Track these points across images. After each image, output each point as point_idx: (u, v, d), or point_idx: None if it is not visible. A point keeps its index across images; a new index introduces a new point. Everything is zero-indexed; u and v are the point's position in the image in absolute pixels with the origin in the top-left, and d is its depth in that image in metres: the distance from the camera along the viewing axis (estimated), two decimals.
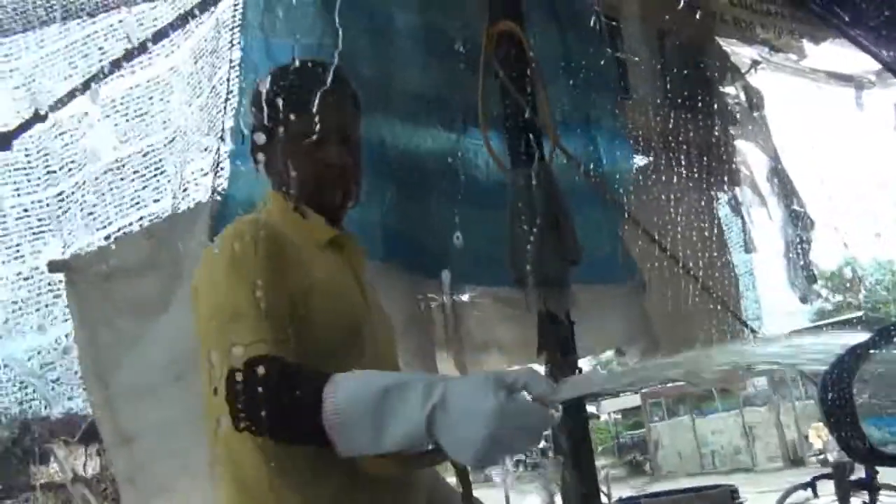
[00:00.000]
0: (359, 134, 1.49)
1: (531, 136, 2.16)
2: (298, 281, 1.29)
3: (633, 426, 28.40)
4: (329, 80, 1.40)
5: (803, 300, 3.39)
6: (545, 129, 2.19)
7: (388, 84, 2.48)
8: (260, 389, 1.09)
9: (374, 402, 1.03)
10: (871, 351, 0.79)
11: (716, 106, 2.96)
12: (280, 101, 1.41)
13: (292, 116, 1.39)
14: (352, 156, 1.44)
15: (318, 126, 1.37)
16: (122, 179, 2.19)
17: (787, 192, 3.30)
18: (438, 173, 2.64)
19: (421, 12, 2.61)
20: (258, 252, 1.27)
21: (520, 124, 2.17)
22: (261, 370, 1.09)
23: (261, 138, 1.44)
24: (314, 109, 1.36)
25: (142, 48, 2.16)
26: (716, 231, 3.12)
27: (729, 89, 3.16)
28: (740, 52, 3.26)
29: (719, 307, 2.85)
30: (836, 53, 3.31)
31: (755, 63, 3.29)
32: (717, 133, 2.94)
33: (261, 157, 1.46)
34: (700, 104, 2.95)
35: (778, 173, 3.29)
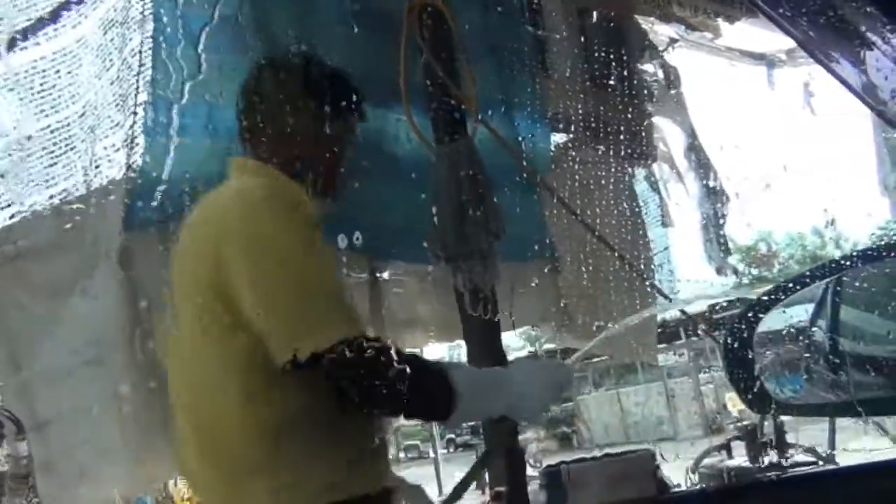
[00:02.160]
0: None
1: (454, 112, 2.17)
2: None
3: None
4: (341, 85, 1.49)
5: (718, 272, 3.52)
6: (468, 106, 2.20)
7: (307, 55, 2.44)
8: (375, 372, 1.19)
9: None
10: (769, 307, 0.83)
11: (634, 83, 3.02)
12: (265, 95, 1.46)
13: (281, 108, 1.43)
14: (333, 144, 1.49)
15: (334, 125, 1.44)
16: (29, 156, 2.10)
17: (703, 167, 3.40)
18: (361, 147, 2.62)
19: None
20: (309, 221, 1.33)
21: (443, 100, 2.18)
22: (367, 353, 1.18)
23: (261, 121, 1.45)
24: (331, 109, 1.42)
25: (47, 18, 2.06)
26: (634, 206, 3.20)
27: (647, 67, 3.23)
28: (658, 30, 3.33)
29: (636, 281, 2.93)
30: (750, 32, 3.42)
31: (672, 41, 3.37)
32: (635, 110, 3.01)
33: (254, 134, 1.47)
34: (619, 81, 3.00)
35: (695, 149, 3.39)
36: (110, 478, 2.10)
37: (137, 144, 2.03)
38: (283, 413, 1.25)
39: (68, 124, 2.08)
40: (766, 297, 0.85)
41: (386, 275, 2.92)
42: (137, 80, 2.01)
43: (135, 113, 2.01)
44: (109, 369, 2.05)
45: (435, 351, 3.28)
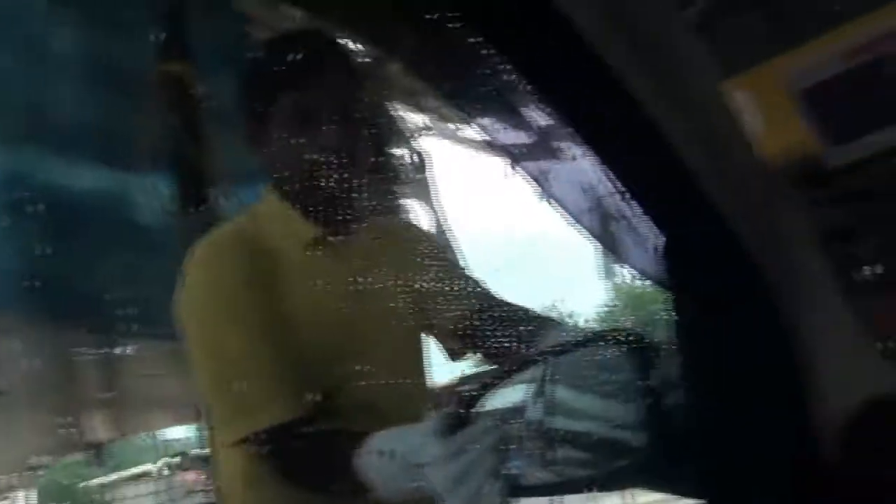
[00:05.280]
0: (363, 112, 1.32)
1: (201, 181, 2.10)
2: (286, 299, 1.19)
3: None
4: (319, 48, 1.26)
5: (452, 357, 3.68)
6: (216, 176, 2.14)
7: (39, 110, 2.26)
8: (289, 454, 1.11)
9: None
10: (490, 386, 0.89)
11: (386, 165, 3.14)
12: (266, 77, 1.26)
13: (280, 93, 1.22)
14: (353, 137, 1.27)
15: (310, 102, 1.22)
16: None
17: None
18: (98, 213, 2.45)
19: (85, 35, 2.42)
20: (244, 279, 1.17)
21: (189, 169, 2.11)
22: (287, 438, 1.10)
23: (252, 122, 1.27)
24: (304, 83, 1.21)
25: None
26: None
27: (397, 150, 3.38)
28: (410, 117, 3.51)
29: None
30: (494, 125, 3.71)
31: (423, 128, 3.57)
32: (385, 190, 3.12)
33: (256, 143, 1.29)
34: (372, 164, 3.10)
35: (441, 231, 3.57)
36: None
37: None
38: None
39: None
40: (488, 378, 0.90)
41: (128, 350, 2.71)
42: None
43: None
44: None
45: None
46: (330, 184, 1.25)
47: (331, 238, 1.32)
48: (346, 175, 1.26)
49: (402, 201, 3.34)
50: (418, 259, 1.41)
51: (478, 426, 0.90)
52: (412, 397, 1.33)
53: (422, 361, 1.43)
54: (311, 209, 1.30)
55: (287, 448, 1.12)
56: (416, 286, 1.36)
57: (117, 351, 2.61)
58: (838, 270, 0.87)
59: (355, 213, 1.33)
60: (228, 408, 1.19)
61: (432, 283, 1.38)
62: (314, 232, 1.30)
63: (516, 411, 0.91)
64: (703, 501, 0.79)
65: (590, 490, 0.91)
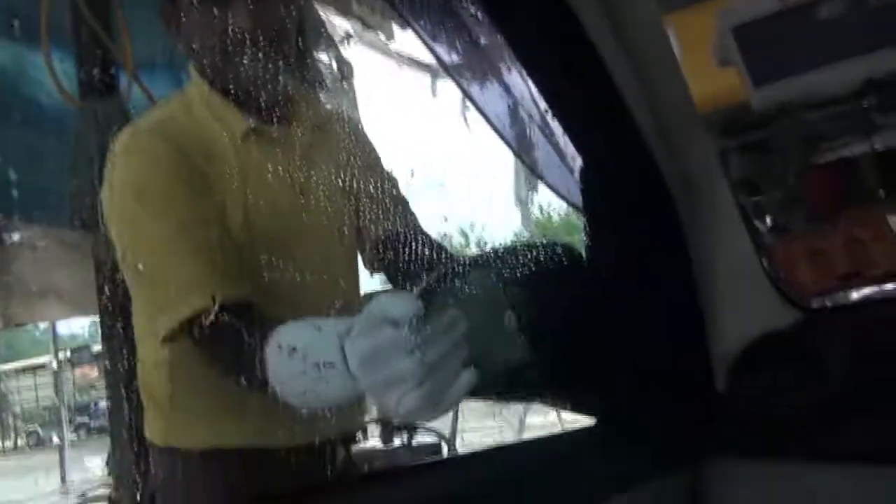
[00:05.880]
0: None
1: (106, 66, 1.96)
2: (218, 191, 1.12)
3: None
4: None
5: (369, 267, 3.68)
6: (122, 60, 2.00)
7: None
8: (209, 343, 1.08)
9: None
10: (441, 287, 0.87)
11: (309, 71, 3.03)
12: None
13: None
14: (270, 17, 1.15)
15: None
16: None
17: None
18: None
19: None
20: (170, 172, 1.11)
21: (94, 52, 1.96)
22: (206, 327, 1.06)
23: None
24: None
25: None
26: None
27: (322, 56, 3.26)
28: (336, 23, 3.38)
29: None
30: (424, 38, 3.62)
31: (348, 36, 3.45)
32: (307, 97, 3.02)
33: (172, 26, 1.17)
34: (294, 65, 2.98)
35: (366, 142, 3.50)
36: None
37: None
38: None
39: None
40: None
41: (16, 237, 2.58)
42: None
43: None
44: None
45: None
46: (252, 67, 1.19)
47: (265, 128, 1.27)
48: (269, 57, 1.20)
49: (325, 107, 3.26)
50: (355, 160, 1.37)
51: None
52: (342, 295, 1.32)
53: (354, 260, 1.42)
54: (236, 95, 1.23)
55: (209, 338, 1.09)
56: (351, 186, 1.33)
57: (7, 237, 2.48)
58: (744, 216, 0.89)
59: (287, 102, 1.27)
60: (152, 299, 1.15)
61: (367, 187, 1.36)
62: (248, 122, 1.24)
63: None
64: (591, 419, 0.81)
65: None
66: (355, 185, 1.33)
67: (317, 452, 1.15)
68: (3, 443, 13.61)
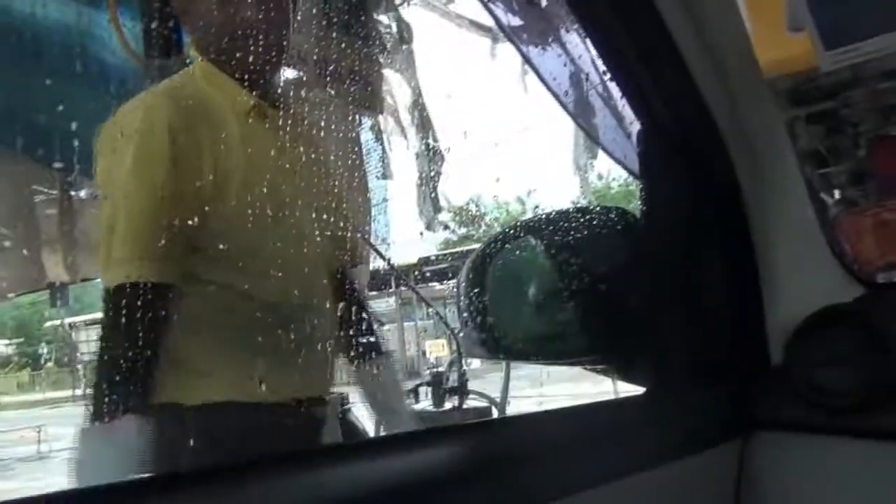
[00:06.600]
0: None
1: (172, 26, 1.99)
2: (215, 164, 1.18)
3: None
4: None
5: (428, 227, 3.70)
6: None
7: None
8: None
9: None
10: (494, 252, 0.88)
11: (369, 31, 3.02)
12: None
13: None
14: (271, 6, 1.25)
15: None
16: None
17: (424, 125, 3.53)
18: (62, 49, 2.34)
19: None
20: (169, 140, 1.16)
21: (158, 9, 1.99)
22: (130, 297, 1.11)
23: None
24: None
25: None
26: (357, 154, 3.23)
27: (382, 17, 3.25)
28: None
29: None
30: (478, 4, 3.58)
31: None
32: (367, 58, 3.02)
33: (180, 8, 1.30)
34: (354, 26, 2.98)
35: (418, 107, 3.50)
36: None
37: None
38: None
39: None
40: (494, 244, 0.90)
41: (83, 193, 2.65)
42: None
43: None
44: None
45: None
46: (254, 48, 1.24)
47: (270, 108, 1.32)
48: (269, 39, 1.24)
49: (383, 72, 3.25)
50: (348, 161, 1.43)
51: None
52: (320, 282, 1.35)
53: (338, 246, 1.46)
54: (239, 73, 1.28)
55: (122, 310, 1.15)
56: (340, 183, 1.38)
57: (74, 192, 2.56)
58: (809, 188, 0.87)
59: (290, 83, 1.33)
60: (111, 252, 1.18)
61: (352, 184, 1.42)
62: (251, 100, 1.28)
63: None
64: (643, 387, 0.81)
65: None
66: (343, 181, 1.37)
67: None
68: (74, 391, 14.22)
